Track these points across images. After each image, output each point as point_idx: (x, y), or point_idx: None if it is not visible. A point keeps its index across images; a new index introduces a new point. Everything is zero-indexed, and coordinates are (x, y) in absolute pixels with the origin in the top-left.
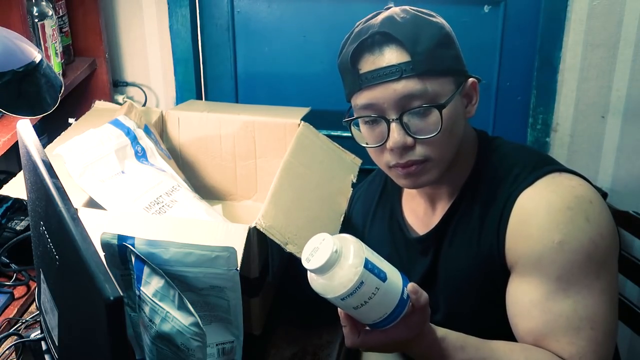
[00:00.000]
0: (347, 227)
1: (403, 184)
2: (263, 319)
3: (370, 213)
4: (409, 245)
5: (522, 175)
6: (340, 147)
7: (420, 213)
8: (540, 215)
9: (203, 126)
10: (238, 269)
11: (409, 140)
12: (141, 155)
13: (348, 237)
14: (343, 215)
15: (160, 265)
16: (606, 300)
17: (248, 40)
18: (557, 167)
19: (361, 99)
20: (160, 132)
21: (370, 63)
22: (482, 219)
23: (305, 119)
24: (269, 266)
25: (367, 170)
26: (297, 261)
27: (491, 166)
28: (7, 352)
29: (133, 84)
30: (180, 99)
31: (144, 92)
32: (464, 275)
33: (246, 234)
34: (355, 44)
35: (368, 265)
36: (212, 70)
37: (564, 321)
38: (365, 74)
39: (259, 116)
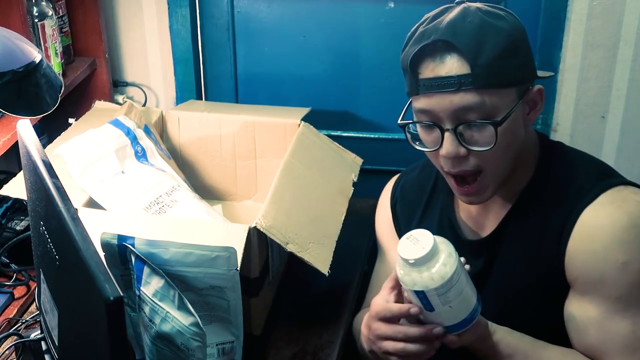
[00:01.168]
0: (393, 214)
1: (460, 199)
2: (263, 319)
3: (422, 205)
4: (461, 246)
5: (587, 186)
6: (341, 147)
7: (473, 213)
8: (605, 233)
9: (203, 126)
10: (238, 269)
11: (462, 150)
12: (141, 155)
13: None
14: (344, 215)
15: (160, 265)
16: None
17: (248, 40)
18: (622, 180)
19: (419, 103)
20: (160, 132)
21: (430, 70)
22: (543, 228)
23: (305, 119)
24: (269, 266)
25: (368, 170)
26: (297, 261)
27: (553, 174)
28: (7, 352)
29: (133, 84)
30: (180, 99)
31: (144, 92)
32: (519, 283)
33: (246, 234)
34: (417, 47)
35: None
36: (212, 70)
37: (620, 341)
38: (424, 80)
39: (259, 116)
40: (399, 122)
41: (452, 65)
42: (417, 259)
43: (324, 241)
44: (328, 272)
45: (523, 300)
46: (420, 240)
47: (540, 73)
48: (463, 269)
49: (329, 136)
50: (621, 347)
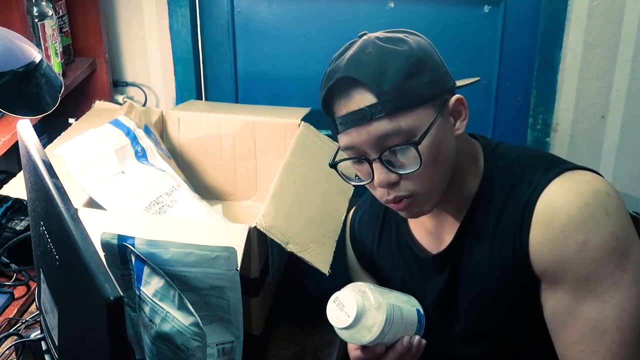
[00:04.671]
0: (355, 250)
1: (402, 215)
2: (263, 319)
3: (377, 234)
4: (422, 265)
5: (536, 178)
6: None
7: (429, 228)
8: (560, 217)
9: (203, 126)
10: (238, 269)
11: (393, 177)
12: (141, 155)
13: (359, 284)
14: (344, 215)
15: (160, 265)
16: (637, 292)
17: (248, 40)
18: (568, 166)
19: (342, 142)
20: (160, 132)
21: (342, 107)
22: (500, 227)
23: (305, 119)
24: (269, 266)
25: None
26: (297, 261)
27: (501, 174)
28: (7, 352)
29: (133, 84)
30: (180, 99)
31: (144, 92)
32: (488, 287)
33: (246, 234)
34: (325, 90)
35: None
36: (212, 70)
37: (592, 325)
38: (339, 118)
39: (259, 116)
40: (329, 163)
41: (360, 99)
42: (344, 327)
43: (324, 241)
44: (328, 272)
45: (495, 304)
46: (346, 305)
47: (462, 82)
48: (391, 299)
49: (329, 136)
50: (592, 333)
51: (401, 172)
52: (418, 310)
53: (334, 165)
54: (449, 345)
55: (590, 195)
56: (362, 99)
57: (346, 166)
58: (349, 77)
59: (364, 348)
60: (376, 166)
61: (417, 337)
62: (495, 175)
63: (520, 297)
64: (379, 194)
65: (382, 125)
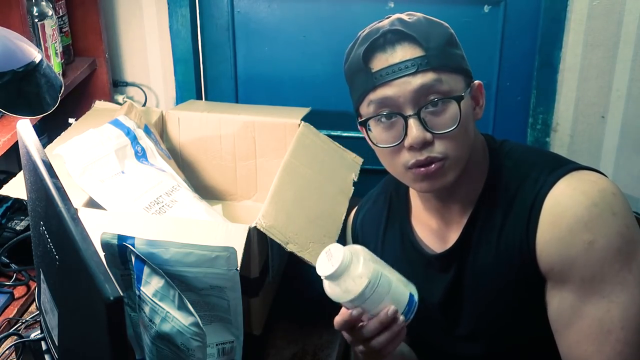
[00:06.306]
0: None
1: (420, 187)
2: (263, 319)
3: (380, 236)
4: (427, 264)
5: (542, 177)
6: (341, 147)
7: (434, 227)
8: (568, 216)
9: (203, 126)
10: (238, 269)
11: (428, 135)
12: (141, 155)
13: (357, 247)
14: (344, 215)
15: (160, 265)
16: None
17: (248, 40)
18: (574, 166)
19: (377, 94)
20: (160, 132)
21: (383, 61)
22: (507, 227)
23: (305, 119)
24: (269, 266)
25: (368, 170)
26: (297, 261)
27: (507, 172)
28: (7, 352)
29: (133, 84)
30: (180, 99)
31: (144, 92)
32: (493, 286)
33: (246, 234)
34: (365, 45)
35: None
36: (212, 70)
37: (597, 325)
38: (379, 71)
39: (259, 116)
40: (359, 120)
41: (405, 52)
42: (328, 275)
43: (324, 241)
44: None
45: (500, 303)
46: (334, 255)
47: None
48: (385, 271)
49: (329, 136)
50: (596, 333)
51: (438, 132)
52: (412, 295)
53: (364, 122)
54: (454, 344)
55: (597, 195)
56: (409, 51)
57: (369, 134)
58: (398, 30)
59: (344, 310)
60: (412, 123)
61: (402, 317)
62: (501, 173)
63: (525, 296)
64: (406, 157)
65: (427, 77)
